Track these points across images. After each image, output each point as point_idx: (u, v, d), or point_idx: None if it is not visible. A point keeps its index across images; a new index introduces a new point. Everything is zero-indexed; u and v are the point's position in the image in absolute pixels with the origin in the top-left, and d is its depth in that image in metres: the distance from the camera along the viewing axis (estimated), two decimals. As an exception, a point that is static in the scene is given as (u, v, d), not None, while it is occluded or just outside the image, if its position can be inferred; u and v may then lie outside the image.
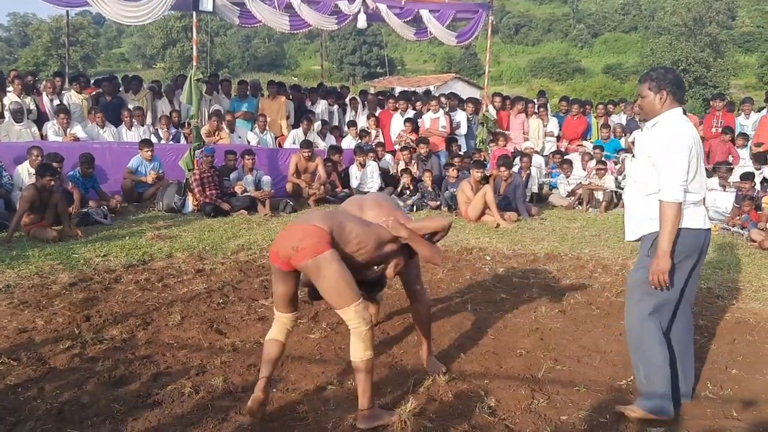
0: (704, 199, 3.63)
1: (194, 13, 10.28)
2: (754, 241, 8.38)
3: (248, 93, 12.93)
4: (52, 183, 7.74)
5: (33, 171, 8.70)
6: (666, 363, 3.57)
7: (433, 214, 10.18)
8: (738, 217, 9.15)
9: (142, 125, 11.30)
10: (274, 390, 3.78)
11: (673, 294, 3.57)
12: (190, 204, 9.76)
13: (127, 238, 7.74)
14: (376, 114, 13.38)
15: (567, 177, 11.75)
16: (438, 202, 10.71)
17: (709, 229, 3.63)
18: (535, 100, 14.06)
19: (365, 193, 11.17)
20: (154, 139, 10.95)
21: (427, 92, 16.30)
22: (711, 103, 13.60)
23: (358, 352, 3.37)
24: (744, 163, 11.28)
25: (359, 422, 3.39)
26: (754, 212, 8.96)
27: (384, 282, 4.08)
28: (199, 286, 5.91)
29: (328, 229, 3.40)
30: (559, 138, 13.44)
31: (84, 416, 3.47)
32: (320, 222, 3.43)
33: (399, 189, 11.18)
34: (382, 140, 12.74)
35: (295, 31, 12.18)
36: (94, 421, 3.41)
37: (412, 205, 10.59)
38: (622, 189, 11.12)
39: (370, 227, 3.65)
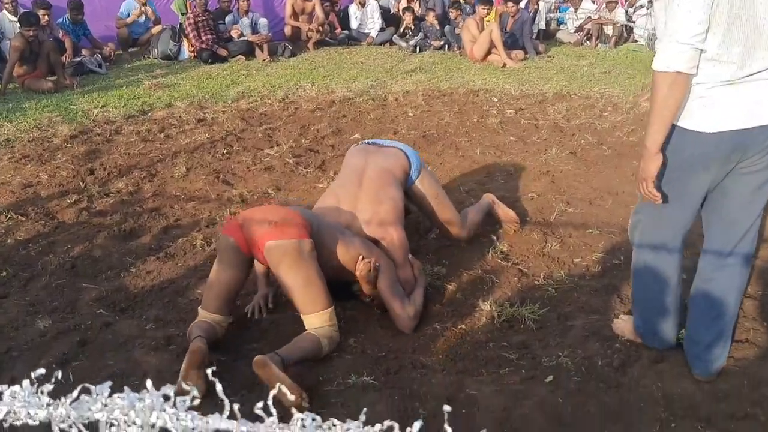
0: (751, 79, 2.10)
1: None
2: None
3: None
4: (32, 33, 7.41)
5: (12, 18, 8.31)
6: (663, 309, 2.54)
7: (437, 55, 9.84)
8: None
9: (129, -35, 10.66)
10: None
11: (676, 217, 2.38)
12: (186, 50, 9.42)
13: (124, 87, 7.53)
14: (376, -53, 12.62)
15: (576, 11, 11.25)
16: (441, 42, 10.31)
17: (753, 129, 2.11)
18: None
19: (366, 34, 10.78)
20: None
21: None
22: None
23: (320, 348, 2.65)
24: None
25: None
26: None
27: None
28: (202, 136, 5.79)
29: (307, 221, 2.82)
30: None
31: (97, 270, 3.47)
32: (298, 211, 2.89)
33: (402, 29, 10.75)
34: (382, -24, 12.10)
35: None
36: (108, 274, 3.41)
37: (415, 46, 10.21)
38: (634, 22, 10.69)
39: (345, 241, 2.95)
